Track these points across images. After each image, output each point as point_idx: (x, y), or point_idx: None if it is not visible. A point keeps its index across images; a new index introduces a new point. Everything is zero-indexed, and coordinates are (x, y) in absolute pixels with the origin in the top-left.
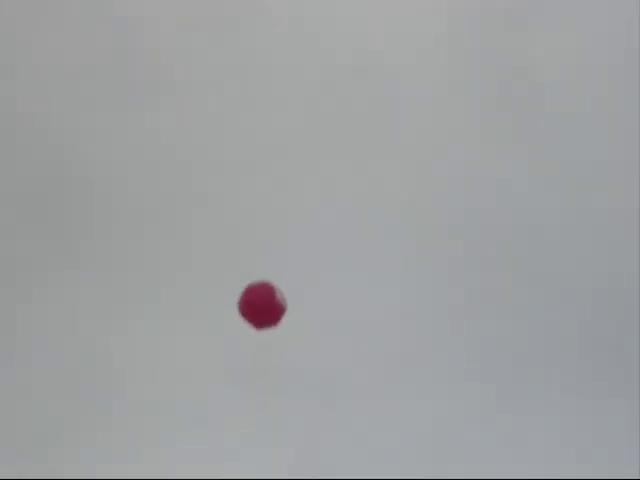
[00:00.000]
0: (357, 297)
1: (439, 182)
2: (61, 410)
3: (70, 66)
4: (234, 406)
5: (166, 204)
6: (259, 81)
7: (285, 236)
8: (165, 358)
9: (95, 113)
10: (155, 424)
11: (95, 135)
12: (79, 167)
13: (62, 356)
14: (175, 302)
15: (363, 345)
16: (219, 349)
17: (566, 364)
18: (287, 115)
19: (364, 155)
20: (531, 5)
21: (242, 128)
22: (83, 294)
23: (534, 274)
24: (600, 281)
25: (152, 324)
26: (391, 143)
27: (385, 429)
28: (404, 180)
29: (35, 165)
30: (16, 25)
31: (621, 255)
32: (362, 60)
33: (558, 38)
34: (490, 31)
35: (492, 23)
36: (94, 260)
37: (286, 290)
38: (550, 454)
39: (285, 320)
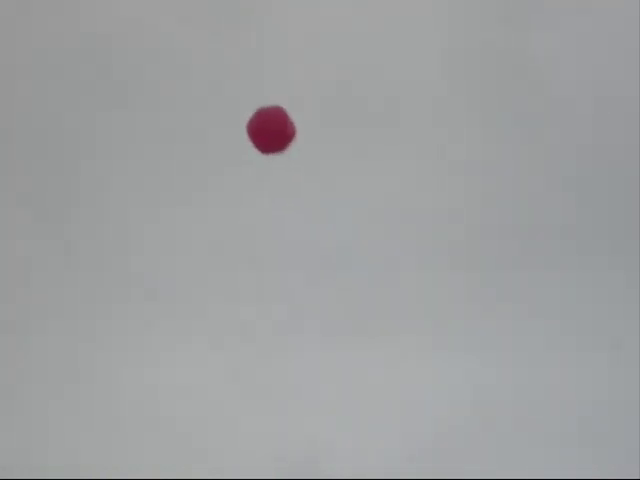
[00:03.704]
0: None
1: (439, 181)
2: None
3: (70, 66)
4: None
5: (162, 201)
6: (259, 81)
7: (286, 236)
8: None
9: (95, 113)
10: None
11: (94, 135)
12: (79, 168)
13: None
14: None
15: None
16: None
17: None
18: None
19: (363, 154)
20: (531, 5)
21: (242, 128)
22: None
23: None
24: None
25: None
26: (390, 142)
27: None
28: (403, 179)
29: (36, 166)
30: (15, 25)
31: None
32: (362, 60)
33: (558, 38)
34: (490, 31)
35: (492, 23)
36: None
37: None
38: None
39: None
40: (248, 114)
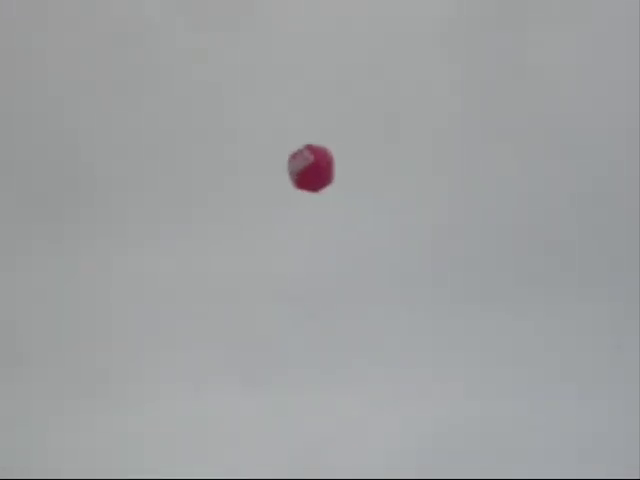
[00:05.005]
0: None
1: (439, 180)
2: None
3: (71, 65)
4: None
5: (165, 198)
6: (259, 81)
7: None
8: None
9: (95, 112)
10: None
11: (95, 134)
12: (79, 168)
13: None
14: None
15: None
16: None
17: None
18: (288, 115)
19: (364, 154)
20: (531, 5)
21: (242, 128)
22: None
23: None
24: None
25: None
26: (390, 142)
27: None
28: (405, 176)
29: (39, 165)
30: (16, 25)
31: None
32: (362, 60)
33: (558, 38)
34: (489, 31)
35: (492, 23)
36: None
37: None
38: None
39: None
40: (247, 115)
